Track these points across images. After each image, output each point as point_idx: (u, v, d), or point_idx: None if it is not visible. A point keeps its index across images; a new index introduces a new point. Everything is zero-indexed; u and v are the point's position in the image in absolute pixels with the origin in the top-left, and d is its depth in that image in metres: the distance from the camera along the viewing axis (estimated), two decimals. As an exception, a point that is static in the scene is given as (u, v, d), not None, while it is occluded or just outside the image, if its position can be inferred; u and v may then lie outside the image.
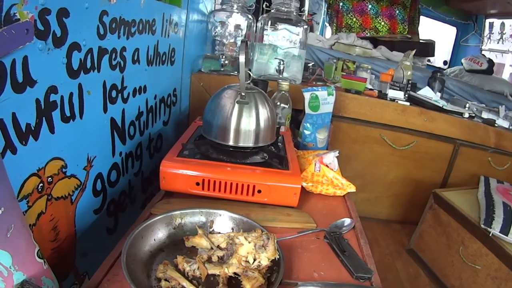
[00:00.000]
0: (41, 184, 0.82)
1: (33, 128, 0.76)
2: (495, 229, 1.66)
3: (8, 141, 0.69)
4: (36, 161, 0.80)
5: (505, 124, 2.34)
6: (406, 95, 2.26)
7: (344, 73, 2.45)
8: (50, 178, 0.85)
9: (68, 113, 0.88)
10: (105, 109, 1.07)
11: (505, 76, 3.79)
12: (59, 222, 0.91)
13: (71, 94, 0.88)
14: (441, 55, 4.36)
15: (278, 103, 1.50)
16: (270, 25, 1.93)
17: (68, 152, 0.91)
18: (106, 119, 1.09)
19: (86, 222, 1.06)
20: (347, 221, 1.03)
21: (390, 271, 2.07)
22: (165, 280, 0.70)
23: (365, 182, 2.39)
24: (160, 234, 0.82)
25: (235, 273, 0.70)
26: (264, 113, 1.09)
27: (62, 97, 0.85)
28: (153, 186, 1.55)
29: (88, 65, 0.93)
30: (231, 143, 1.08)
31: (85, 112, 0.95)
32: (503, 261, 1.63)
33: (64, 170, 0.90)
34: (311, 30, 3.85)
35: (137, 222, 0.89)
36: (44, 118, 0.79)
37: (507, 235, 1.64)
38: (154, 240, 0.80)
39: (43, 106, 0.78)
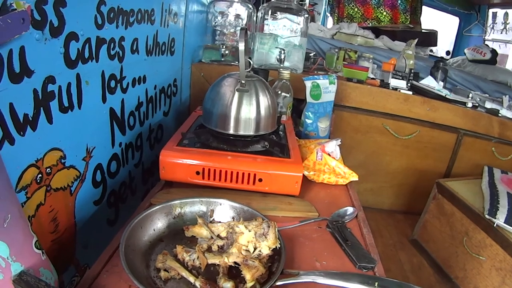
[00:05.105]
0: (39, 175, 0.81)
1: (31, 119, 0.76)
2: (500, 219, 1.66)
3: (6, 132, 0.69)
4: (34, 152, 0.79)
5: (509, 114, 2.32)
6: (409, 84, 2.24)
7: (346, 63, 2.44)
8: (48, 169, 0.85)
9: (66, 103, 0.88)
10: (104, 99, 1.06)
11: (509, 66, 3.77)
12: (58, 213, 0.91)
13: (69, 84, 0.88)
14: (443, 45, 4.36)
15: (279, 92, 1.49)
16: (271, 14, 1.91)
17: (67, 142, 0.90)
18: (105, 110, 1.09)
19: (86, 214, 1.05)
20: (350, 210, 1.02)
21: (393, 262, 2.07)
22: (165, 270, 0.69)
23: (368, 172, 2.40)
24: (159, 224, 0.81)
25: (235, 263, 0.70)
26: (264, 101, 1.08)
27: (60, 87, 0.84)
28: (154, 177, 1.54)
29: (86, 55, 0.93)
30: (231, 131, 1.08)
31: (84, 102, 0.94)
32: (508, 252, 1.62)
33: (63, 161, 0.90)
34: (313, 20, 3.86)
35: (136, 212, 0.88)
36: (42, 108, 0.79)
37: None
38: (154, 230, 0.79)
39: (40, 96, 0.78)
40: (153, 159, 1.52)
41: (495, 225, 1.67)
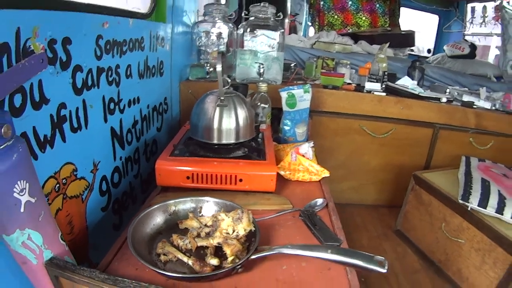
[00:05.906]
0: (57, 185, 0.96)
1: (49, 138, 0.91)
2: (473, 203, 1.75)
3: (31, 150, 0.84)
4: (53, 166, 0.94)
5: (486, 105, 2.41)
6: (383, 86, 2.35)
7: (324, 71, 2.54)
8: (64, 180, 0.99)
9: (76, 125, 1.03)
10: (105, 120, 1.21)
11: (491, 57, 3.84)
12: (73, 217, 1.05)
13: (77, 109, 1.03)
14: (425, 44, 4.42)
15: (259, 104, 1.64)
16: (249, 31, 2.05)
17: (78, 157, 1.05)
18: (107, 128, 1.24)
19: (95, 218, 1.20)
20: (320, 201, 1.19)
21: (379, 252, 2.06)
22: (164, 254, 0.86)
23: (349, 171, 2.49)
24: (158, 219, 0.97)
25: (218, 243, 0.87)
26: (242, 113, 1.25)
27: (70, 111, 0.99)
28: (151, 187, 1.64)
29: (89, 83, 1.08)
30: (215, 141, 1.25)
31: (89, 123, 1.10)
32: (484, 233, 1.72)
33: (75, 173, 1.05)
34: (294, 31, 3.95)
35: (139, 211, 1.03)
36: (57, 129, 0.94)
37: (485, 208, 1.72)
38: (153, 225, 0.96)
39: (56, 120, 0.93)
40: (149, 171, 1.65)
41: (469, 208, 1.76)
